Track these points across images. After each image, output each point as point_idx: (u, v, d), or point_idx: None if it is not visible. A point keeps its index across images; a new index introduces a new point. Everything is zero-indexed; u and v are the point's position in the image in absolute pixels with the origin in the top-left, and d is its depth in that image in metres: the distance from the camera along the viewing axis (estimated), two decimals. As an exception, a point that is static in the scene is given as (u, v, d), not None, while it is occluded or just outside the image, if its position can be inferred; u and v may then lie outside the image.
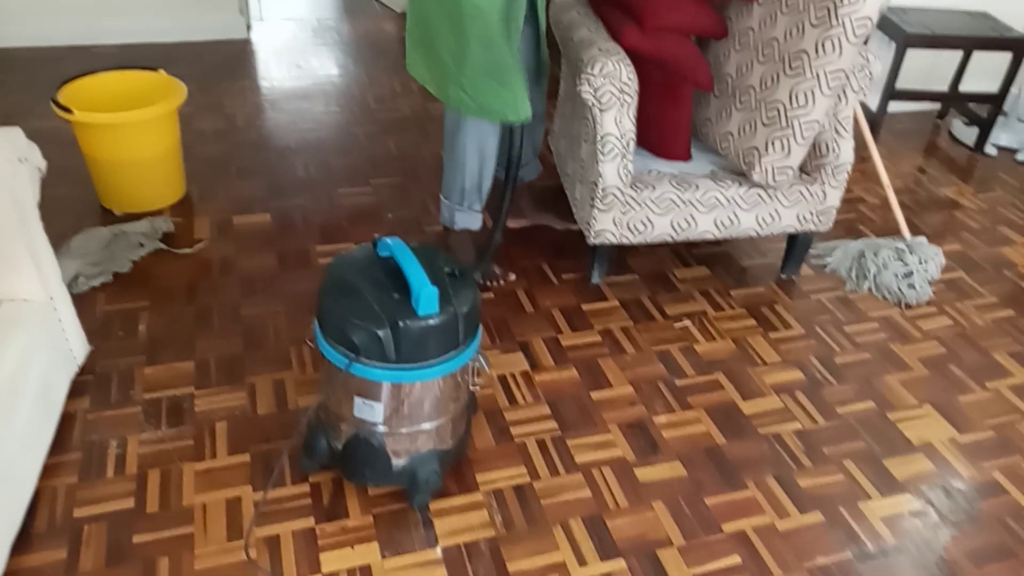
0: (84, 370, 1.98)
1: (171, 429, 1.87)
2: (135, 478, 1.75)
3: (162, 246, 2.47)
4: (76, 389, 1.94)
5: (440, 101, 2.20)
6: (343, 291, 1.55)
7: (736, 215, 2.32)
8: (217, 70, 3.71)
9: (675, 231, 2.32)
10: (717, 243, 2.71)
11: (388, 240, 1.61)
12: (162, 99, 2.53)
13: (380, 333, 1.48)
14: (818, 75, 2.05)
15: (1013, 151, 3.53)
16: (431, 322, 1.50)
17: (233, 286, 2.35)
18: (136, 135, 2.51)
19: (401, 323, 1.48)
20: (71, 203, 2.63)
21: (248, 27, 4.15)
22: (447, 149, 2.30)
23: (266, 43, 4.09)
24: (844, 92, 2.19)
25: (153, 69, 2.71)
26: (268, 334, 2.18)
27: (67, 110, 2.40)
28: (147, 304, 2.25)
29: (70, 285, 2.22)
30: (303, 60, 3.93)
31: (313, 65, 3.89)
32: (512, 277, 2.45)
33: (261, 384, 2.01)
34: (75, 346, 1.94)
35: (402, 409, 1.60)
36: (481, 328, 1.69)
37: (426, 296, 1.47)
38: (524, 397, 2.05)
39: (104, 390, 1.96)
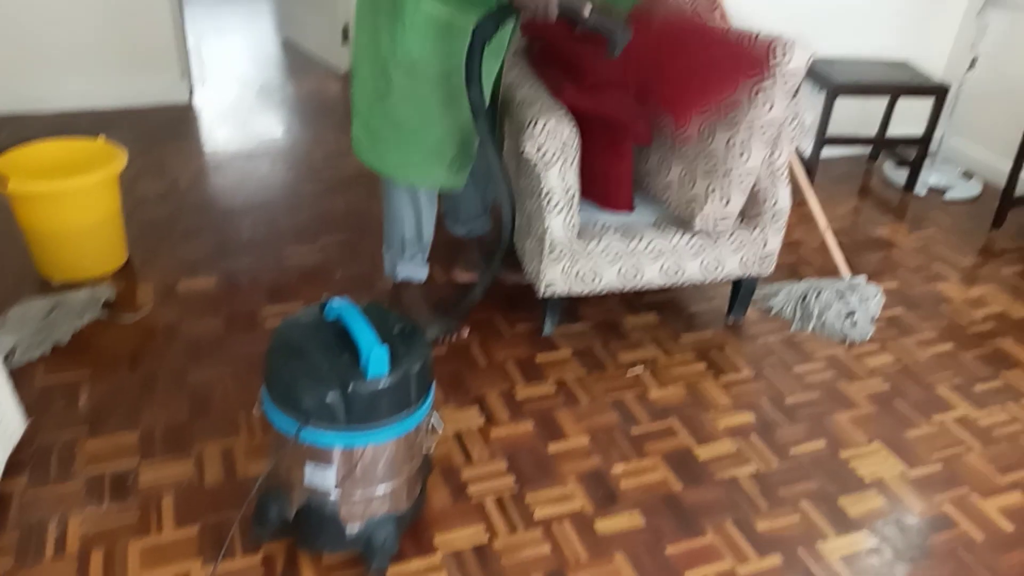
0: (22, 446, 1.91)
1: (114, 504, 1.80)
2: (76, 558, 1.67)
3: (103, 314, 2.41)
4: (13, 466, 1.86)
5: None
6: (290, 354, 1.53)
7: (681, 263, 2.36)
8: (159, 134, 3.68)
9: (623, 281, 2.35)
10: (665, 290, 2.75)
11: (336, 300, 1.60)
12: (101, 166, 2.49)
13: (329, 396, 1.46)
14: (751, 126, 2.12)
15: (942, 190, 3.69)
16: (382, 383, 1.48)
17: (178, 352, 2.30)
18: (74, 203, 2.46)
19: (351, 385, 1.46)
20: (7, 273, 2.56)
21: (191, 90, 4.14)
22: (384, 200, 2.32)
23: (210, 106, 4.08)
24: (778, 141, 2.27)
25: (92, 136, 2.68)
26: (215, 400, 2.13)
27: (1, 180, 2.35)
28: (88, 374, 2.19)
29: (7, 358, 2.16)
30: (248, 121, 3.92)
31: (258, 126, 3.89)
32: (466, 332, 2.45)
33: (209, 452, 1.96)
34: (12, 421, 1.87)
35: (355, 473, 1.57)
36: (434, 386, 1.68)
37: (375, 357, 1.46)
38: (480, 453, 2.03)
39: (43, 466, 1.89)
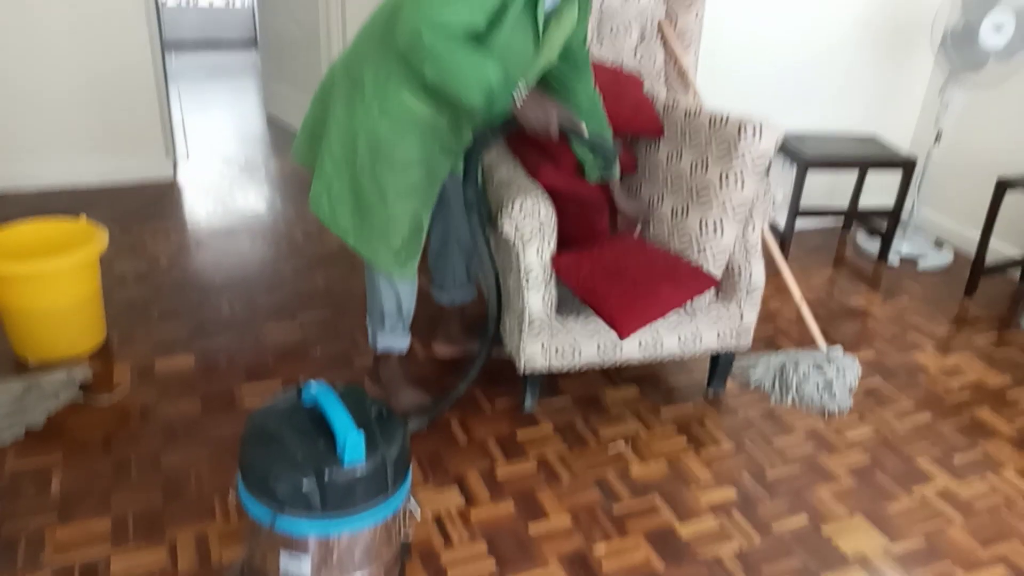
0: (-11, 536, 1.86)
1: (83, 596, 1.76)
2: (41, 656, 1.62)
3: (79, 396, 2.39)
4: (-22, 559, 1.81)
5: None
6: (265, 441, 1.52)
7: (659, 337, 2.38)
8: (141, 211, 3.71)
9: (602, 356, 2.36)
10: (645, 363, 2.76)
11: (312, 384, 1.59)
12: (82, 246, 2.50)
13: (305, 484, 1.45)
14: (724, 205, 2.17)
15: (915, 260, 3.76)
16: (358, 470, 1.47)
17: (153, 434, 2.27)
18: (53, 284, 2.46)
19: (326, 472, 1.45)
20: (-18, 354, 2.54)
21: (175, 167, 4.19)
22: (366, 272, 2.33)
23: (193, 182, 4.12)
24: (750, 218, 2.32)
25: (73, 216, 2.69)
26: (190, 484, 2.09)
27: (-19, 261, 2.35)
28: (61, 459, 2.15)
29: (-23, 444, 2.12)
30: (231, 198, 3.96)
31: (241, 202, 3.92)
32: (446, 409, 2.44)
33: (182, 538, 1.92)
34: (-21, 511, 1.83)
35: (331, 561, 1.54)
36: (411, 470, 1.66)
37: (351, 443, 1.45)
38: (460, 535, 2.00)
39: (9, 557, 1.84)
